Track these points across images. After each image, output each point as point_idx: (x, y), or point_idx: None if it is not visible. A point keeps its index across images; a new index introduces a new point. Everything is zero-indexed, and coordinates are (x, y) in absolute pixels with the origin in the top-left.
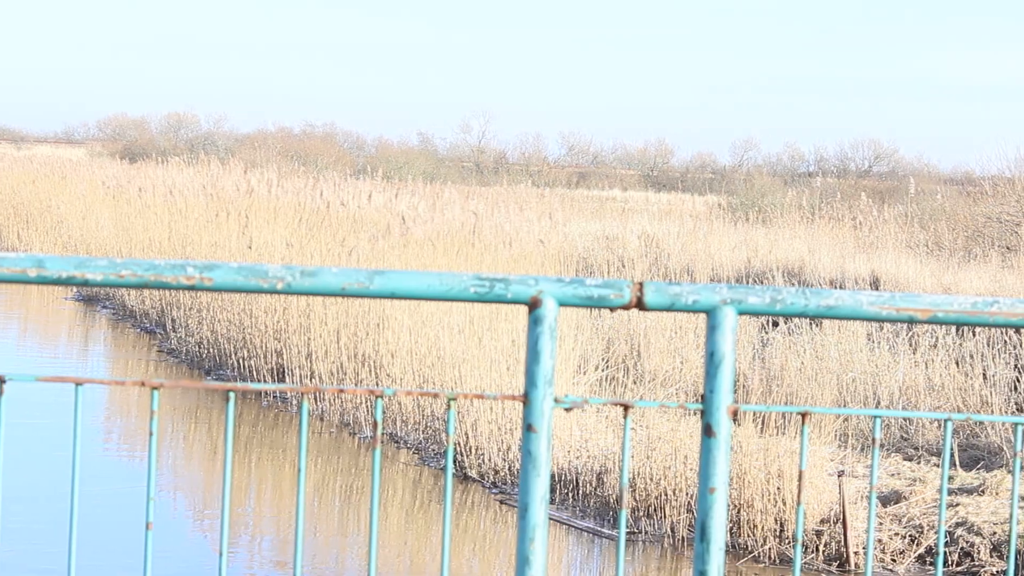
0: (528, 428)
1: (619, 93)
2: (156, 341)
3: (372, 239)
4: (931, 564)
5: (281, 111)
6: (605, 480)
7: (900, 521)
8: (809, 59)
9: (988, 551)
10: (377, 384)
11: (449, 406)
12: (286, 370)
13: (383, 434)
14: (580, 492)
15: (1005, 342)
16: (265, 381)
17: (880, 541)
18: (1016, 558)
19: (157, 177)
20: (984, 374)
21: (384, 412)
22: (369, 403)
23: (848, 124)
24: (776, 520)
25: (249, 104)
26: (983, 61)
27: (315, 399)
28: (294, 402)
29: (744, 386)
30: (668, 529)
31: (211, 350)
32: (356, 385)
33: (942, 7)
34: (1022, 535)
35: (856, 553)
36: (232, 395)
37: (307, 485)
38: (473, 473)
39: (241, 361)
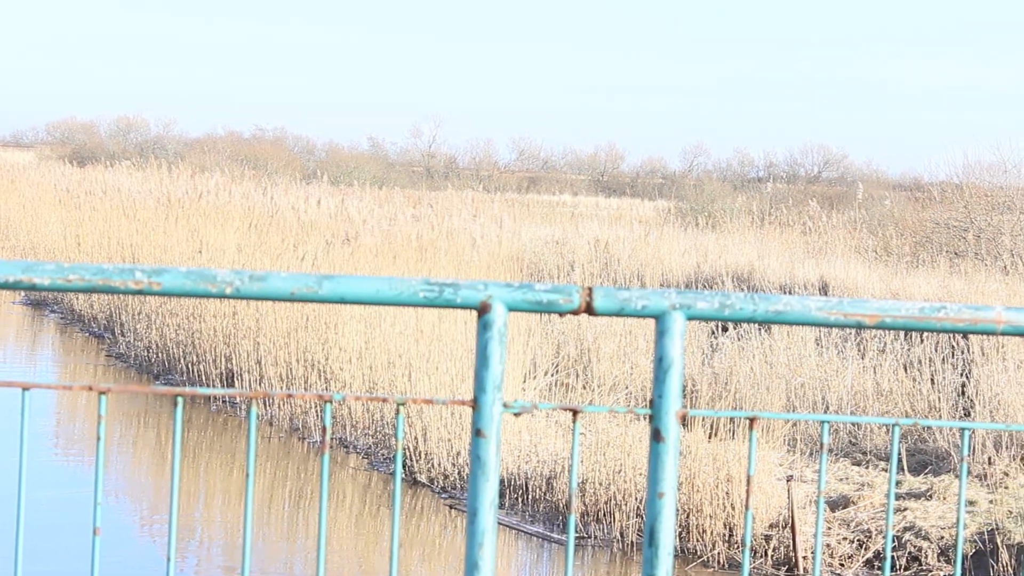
0: (477, 433)
1: (569, 98)
2: (105, 345)
3: (324, 244)
4: (879, 569)
5: (231, 115)
6: (554, 485)
7: (848, 526)
8: (758, 65)
9: (936, 555)
10: (327, 389)
11: (398, 411)
12: (235, 375)
13: (332, 439)
14: (530, 497)
15: (953, 347)
16: (214, 386)
17: (828, 546)
18: (963, 562)
19: (106, 181)
20: (932, 379)
21: (333, 417)
22: (318, 408)
23: (798, 130)
24: (725, 525)
25: (199, 108)
26: (931, 67)
27: (264, 404)
28: (243, 407)
29: (693, 391)
30: (617, 534)
31: (160, 355)
32: (305, 390)
33: (891, 14)
34: (969, 539)
35: (805, 558)
36: (180, 400)
37: (256, 490)
38: (423, 478)
39: (190, 366)
